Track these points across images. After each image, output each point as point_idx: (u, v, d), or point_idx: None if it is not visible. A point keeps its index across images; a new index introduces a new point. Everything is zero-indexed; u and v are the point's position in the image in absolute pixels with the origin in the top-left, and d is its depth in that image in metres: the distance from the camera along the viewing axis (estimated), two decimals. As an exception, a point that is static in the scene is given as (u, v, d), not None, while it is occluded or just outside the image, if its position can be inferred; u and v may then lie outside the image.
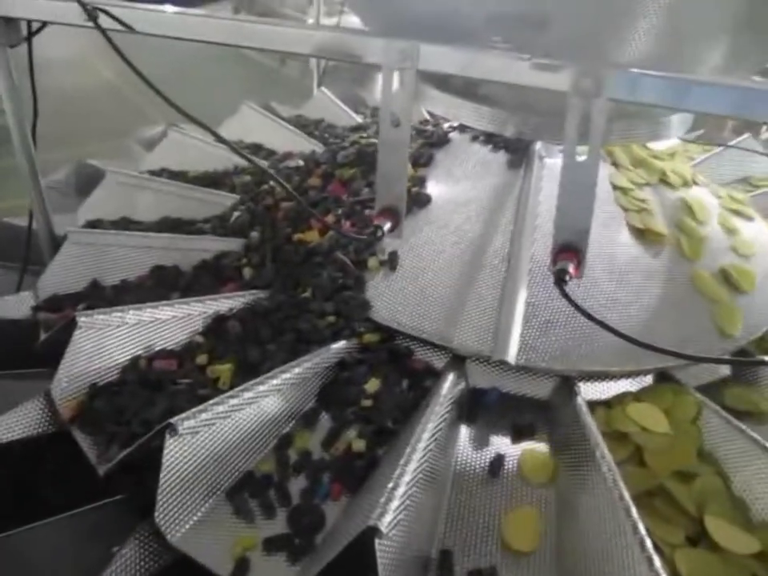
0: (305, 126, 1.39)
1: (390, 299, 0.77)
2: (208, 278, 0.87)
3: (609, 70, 0.51)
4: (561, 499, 0.61)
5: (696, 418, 0.69)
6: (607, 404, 0.70)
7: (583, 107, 0.52)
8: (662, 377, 0.74)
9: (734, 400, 0.74)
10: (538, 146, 0.89)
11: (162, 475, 0.56)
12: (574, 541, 0.58)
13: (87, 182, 1.13)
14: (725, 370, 0.78)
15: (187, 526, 0.57)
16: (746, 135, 1.34)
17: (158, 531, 0.56)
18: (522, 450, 0.66)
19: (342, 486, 0.61)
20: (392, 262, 0.79)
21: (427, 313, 0.75)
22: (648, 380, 0.74)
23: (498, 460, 0.64)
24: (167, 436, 0.56)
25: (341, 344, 0.72)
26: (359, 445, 0.64)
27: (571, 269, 0.57)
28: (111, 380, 0.70)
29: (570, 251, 0.58)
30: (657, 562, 0.48)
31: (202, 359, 0.73)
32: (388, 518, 0.49)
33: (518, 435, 0.67)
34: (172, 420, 0.56)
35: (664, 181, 0.93)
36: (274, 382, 0.65)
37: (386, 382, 0.70)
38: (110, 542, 0.61)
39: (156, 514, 0.55)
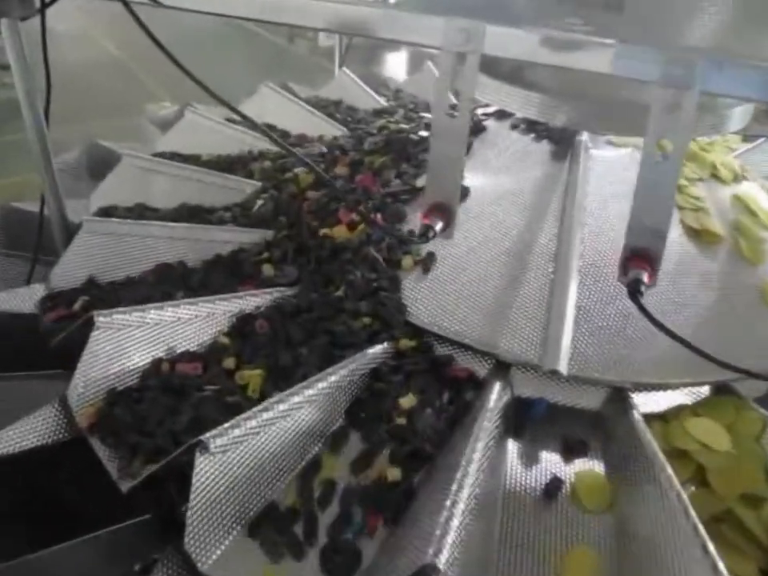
0: (324, 107, 1.33)
1: (429, 301, 0.71)
2: (222, 274, 0.81)
3: (703, 59, 0.45)
4: (620, 528, 0.56)
5: (760, 436, 0.64)
6: (663, 417, 0.65)
7: (671, 98, 0.47)
8: (719, 389, 0.69)
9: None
10: (584, 136, 0.84)
11: (192, 497, 0.51)
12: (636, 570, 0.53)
13: (100, 164, 1.07)
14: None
15: (218, 552, 0.52)
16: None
17: (186, 558, 0.51)
18: (576, 471, 0.61)
19: (378, 519, 0.55)
20: (428, 262, 0.73)
21: (469, 316, 0.69)
22: (705, 391, 0.69)
23: (555, 483, 0.58)
24: (197, 454, 0.51)
25: (377, 349, 0.67)
26: (394, 473, 0.58)
27: (645, 278, 0.51)
28: (131, 385, 0.65)
29: (642, 258, 0.53)
30: None
31: (229, 363, 0.68)
32: (445, 554, 0.45)
33: (569, 452, 0.62)
34: (203, 437, 0.51)
35: (715, 175, 0.88)
36: (309, 392, 0.60)
37: (422, 395, 0.65)
38: (132, 561, 0.57)
39: (186, 540, 0.50)
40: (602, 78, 0.51)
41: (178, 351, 0.68)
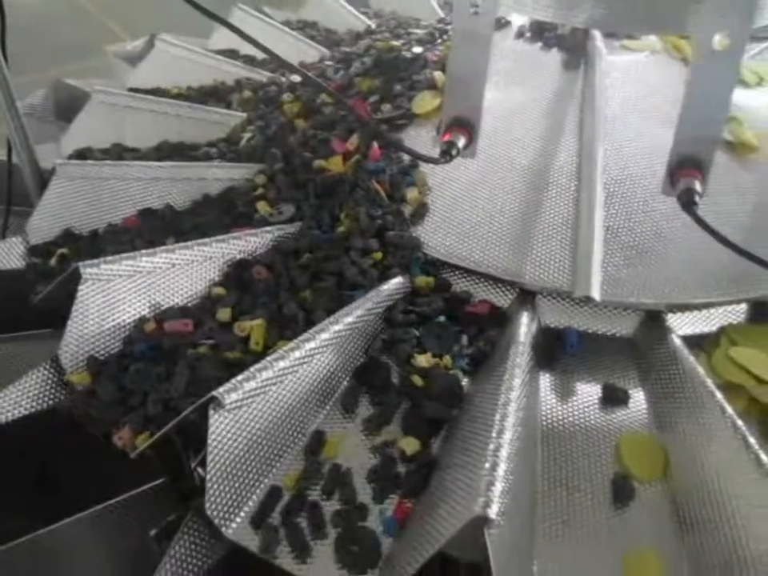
0: (301, 29, 1.24)
1: (444, 231, 0.66)
2: (214, 215, 0.75)
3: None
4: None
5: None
6: (703, 349, 0.61)
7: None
8: (756, 313, 0.64)
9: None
10: (598, 42, 0.77)
11: (209, 458, 0.46)
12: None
13: (68, 104, 0.99)
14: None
15: (242, 515, 0.48)
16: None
17: (209, 523, 0.47)
18: (622, 437, 0.54)
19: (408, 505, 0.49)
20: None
21: (489, 244, 0.64)
22: (741, 316, 0.65)
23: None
24: (211, 412, 0.46)
25: (393, 284, 0.62)
26: (412, 445, 0.52)
27: (698, 186, 0.46)
28: (121, 346, 0.60)
29: (691, 167, 0.47)
30: None
31: (224, 315, 0.62)
32: (496, 503, 0.41)
33: (609, 401, 0.58)
34: (216, 392, 0.46)
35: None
36: (324, 336, 0.54)
37: (440, 345, 0.59)
38: (146, 529, 0.53)
39: (207, 504, 0.46)
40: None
41: (174, 303, 0.63)
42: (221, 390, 0.47)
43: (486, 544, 0.39)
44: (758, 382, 0.57)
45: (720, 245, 0.63)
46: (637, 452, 0.53)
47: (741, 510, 0.45)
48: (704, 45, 0.44)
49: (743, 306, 0.64)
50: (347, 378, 0.58)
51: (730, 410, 0.50)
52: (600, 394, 0.57)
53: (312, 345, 0.53)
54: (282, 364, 0.51)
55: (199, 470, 0.54)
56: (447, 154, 0.50)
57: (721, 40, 0.44)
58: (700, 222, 0.46)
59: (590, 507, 0.50)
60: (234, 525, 0.48)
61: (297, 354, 0.52)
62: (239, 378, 0.48)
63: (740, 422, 0.48)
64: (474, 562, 0.44)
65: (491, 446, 0.45)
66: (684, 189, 0.46)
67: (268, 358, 0.51)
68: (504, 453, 0.44)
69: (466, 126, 0.50)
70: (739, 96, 0.78)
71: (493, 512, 0.40)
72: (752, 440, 0.47)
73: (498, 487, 0.42)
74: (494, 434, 0.46)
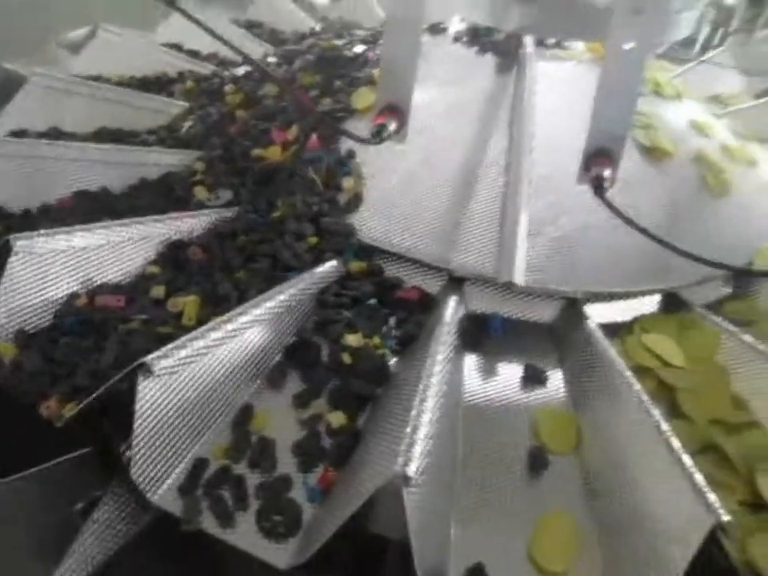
0: (248, 28, 1.25)
1: (378, 218, 0.68)
2: (151, 199, 0.75)
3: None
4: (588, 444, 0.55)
5: (714, 351, 0.63)
6: (617, 334, 0.65)
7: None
8: (669, 303, 0.69)
9: (735, 315, 0.70)
10: (530, 48, 0.81)
11: (136, 425, 0.47)
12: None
13: (4, 88, 0.97)
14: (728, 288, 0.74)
15: (169, 482, 0.49)
16: (717, 51, 1.29)
17: (134, 490, 0.48)
18: (538, 411, 0.58)
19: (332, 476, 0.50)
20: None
21: (420, 232, 0.67)
22: (654, 303, 0.69)
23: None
24: (140, 378, 0.47)
25: (326, 267, 0.64)
26: (339, 419, 0.54)
27: (607, 174, 0.50)
28: (51, 319, 0.60)
29: (603, 157, 0.51)
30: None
31: (158, 292, 0.62)
32: (414, 464, 0.43)
33: (529, 381, 0.61)
34: (146, 359, 0.47)
35: (657, 92, 0.87)
36: (257, 311, 0.56)
37: (370, 326, 0.61)
38: (73, 500, 0.53)
39: (133, 470, 0.46)
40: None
41: (107, 280, 0.63)
42: (151, 356, 0.47)
43: (404, 504, 0.41)
44: (664, 365, 0.61)
45: (635, 240, 0.68)
46: (552, 427, 0.56)
47: (643, 474, 0.48)
48: (614, 47, 0.48)
49: (656, 297, 0.68)
50: (278, 356, 0.59)
51: (637, 385, 0.53)
52: (521, 374, 0.60)
53: (245, 319, 0.55)
54: (214, 335, 0.52)
55: (128, 453, 0.54)
56: (378, 135, 0.52)
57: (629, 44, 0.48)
58: (611, 206, 0.49)
59: (506, 476, 0.53)
60: (159, 492, 0.48)
61: (229, 326, 0.53)
62: (170, 345, 0.49)
63: (645, 396, 0.52)
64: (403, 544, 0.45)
65: (413, 413, 0.47)
66: (595, 176, 0.49)
67: (200, 329, 0.52)
68: (425, 418, 0.47)
69: (397, 111, 0.53)
70: (659, 107, 0.84)
71: (411, 470, 0.42)
72: (655, 412, 0.50)
73: (418, 448, 0.44)
74: (415, 403, 0.48)
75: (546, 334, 0.65)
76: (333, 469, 0.51)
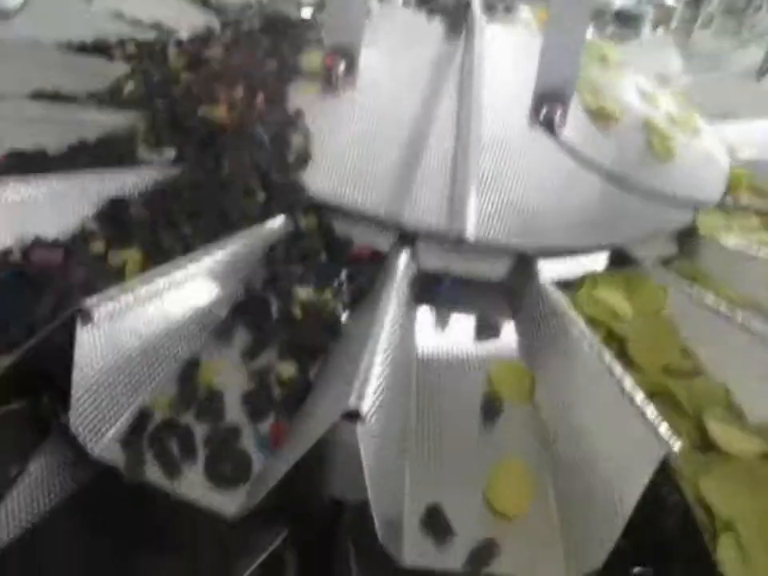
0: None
1: (328, 175, 0.67)
2: (90, 159, 0.72)
3: None
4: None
5: (662, 306, 0.65)
6: (568, 288, 0.65)
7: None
8: (618, 259, 0.70)
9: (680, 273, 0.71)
10: (478, 11, 0.81)
11: (75, 373, 0.44)
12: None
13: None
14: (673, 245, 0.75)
15: (110, 434, 0.47)
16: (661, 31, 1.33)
17: (72, 441, 0.45)
18: (492, 364, 0.58)
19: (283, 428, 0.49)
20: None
21: (371, 188, 0.66)
22: (603, 260, 0.70)
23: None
24: (78, 325, 0.45)
25: (276, 222, 0.62)
26: (288, 370, 0.53)
27: (558, 116, 0.50)
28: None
29: (553, 99, 0.51)
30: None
31: (98, 247, 0.60)
32: (367, 400, 0.42)
33: (481, 333, 0.61)
34: (84, 304, 0.45)
35: (604, 63, 0.89)
36: (207, 261, 0.54)
37: (320, 281, 0.60)
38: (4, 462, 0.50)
39: (71, 420, 0.44)
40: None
41: (45, 234, 0.60)
42: (89, 301, 0.45)
43: (357, 444, 0.40)
44: (614, 317, 0.62)
45: (583, 198, 0.69)
46: (506, 377, 0.56)
47: (596, 416, 0.49)
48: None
49: (604, 255, 0.69)
50: (226, 310, 0.57)
51: (589, 332, 0.53)
52: (474, 326, 0.60)
53: (191, 268, 0.53)
54: (157, 282, 0.50)
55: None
56: (327, 78, 0.51)
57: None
58: (563, 144, 0.49)
59: (460, 423, 0.52)
60: (101, 443, 0.46)
61: (177, 274, 0.51)
62: (110, 291, 0.47)
63: (597, 341, 0.52)
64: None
65: (364, 362, 0.45)
66: (545, 116, 0.49)
67: (144, 275, 0.49)
68: (377, 366, 0.46)
69: (346, 55, 0.52)
70: (606, 76, 0.86)
71: (365, 406, 0.41)
72: (607, 356, 0.51)
73: (370, 388, 0.43)
74: (366, 353, 0.47)
75: (499, 288, 0.64)
76: (283, 419, 0.50)
